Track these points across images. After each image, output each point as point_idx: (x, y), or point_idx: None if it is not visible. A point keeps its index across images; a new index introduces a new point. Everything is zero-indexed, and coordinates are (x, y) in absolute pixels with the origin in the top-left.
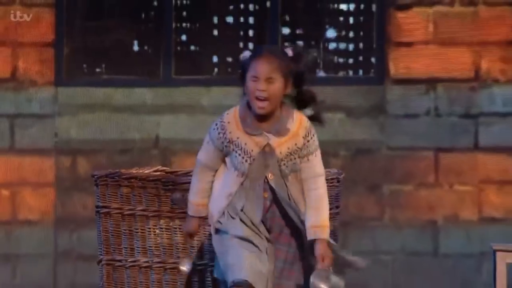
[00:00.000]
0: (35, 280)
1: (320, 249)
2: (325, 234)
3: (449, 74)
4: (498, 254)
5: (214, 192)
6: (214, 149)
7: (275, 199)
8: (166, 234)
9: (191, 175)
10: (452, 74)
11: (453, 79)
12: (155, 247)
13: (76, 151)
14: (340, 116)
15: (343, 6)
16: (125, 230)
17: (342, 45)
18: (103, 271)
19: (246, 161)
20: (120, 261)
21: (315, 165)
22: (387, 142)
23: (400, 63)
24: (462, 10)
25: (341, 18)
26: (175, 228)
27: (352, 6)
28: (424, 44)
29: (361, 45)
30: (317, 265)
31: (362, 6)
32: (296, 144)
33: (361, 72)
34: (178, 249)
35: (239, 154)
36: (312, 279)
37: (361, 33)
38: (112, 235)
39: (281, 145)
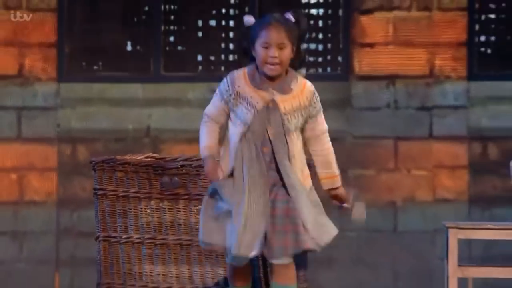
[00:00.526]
0: (39, 254)
1: (339, 193)
2: (339, 182)
3: (407, 71)
4: (450, 230)
5: (222, 151)
6: (221, 101)
7: (274, 155)
8: (156, 213)
9: (178, 161)
10: (409, 72)
11: (410, 76)
12: (146, 225)
13: (76, 140)
14: None
15: (313, 11)
16: (119, 210)
17: (312, 46)
18: (100, 247)
19: (250, 112)
20: (115, 237)
21: (321, 123)
22: (352, 132)
23: (364, 62)
24: (418, 15)
25: (312, 22)
26: (164, 208)
27: (321, 11)
28: (384, 45)
29: (329, 45)
30: (344, 204)
31: (330, 11)
32: (300, 103)
33: (329, 69)
34: (166, 226)
35: (244, 107)
36: (353, 215)
37: (329, 35)
38: (108, 214)
39: (285, 102)
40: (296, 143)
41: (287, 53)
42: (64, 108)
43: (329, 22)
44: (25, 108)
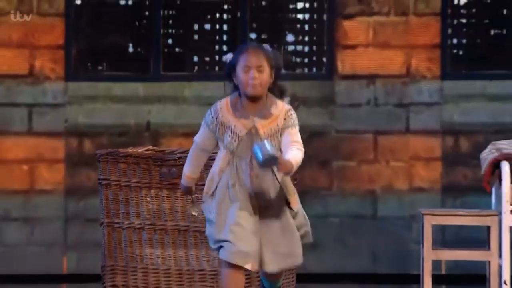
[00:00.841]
0: (49, 238)
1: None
2: (292, 162)
3: (385, 71)
4: (425, 217)
5: (211, 170)
6: (208, 131)
7: (261, 177)
8: (156, 201)
9: (176, 153)
10: (388, 71)
11: (389, 75)
12: (147, 212)
13: (82, 134)
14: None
15: (300, 16)
16: (122, 198)
17: (299, 47)
18: (105, 232)
19: (234, 140)
20: (118, 223)
21: (293, 135)
22: (335, 127)
23: (346, 62)
24: (396, 19)
25: (298, 26)
26: (163, 196)
27: (307, 16)
28: (365, 47)
29: (314, 47)
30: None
31: (315, 16)
32: (277, 125)
33: (314, 69)
34: (165, 213)
35: (229, 135)
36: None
37: (314, 38)
38: (111, 202)
39: (265, 127)
40: None
41: (266, 75)
42: (71, 105)
43: (314, 26)
44: (35, 105)
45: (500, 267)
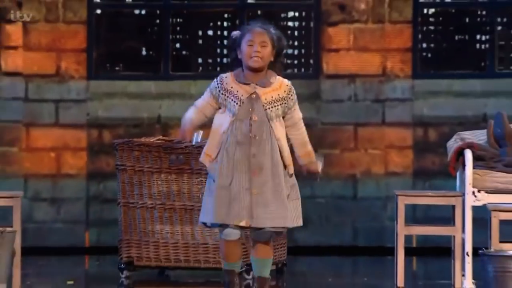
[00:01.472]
0: (73, 216)
1: (313, 167)
2: (314, 157)
3: (364, 71)
4: (399, 197)
5: (212, 132)
6: (210, 97)
7: (259, 139)
8: (165, 184)
9: (183, 143)
10: (366, 72)
11: (367, 75)
12: (158, 193)
13: (102, 126)
14: None
15: (290, 23)
16: (136, 181)
17: (290, 51)
18: (121, 210)
19: (236, 103)
20: (132, 203)
21: (297, 112)
22: (321, 119)
23: (330, 64)
24: (373, 27)
25: (289, 32)
26: (172, 180)
27: (296, 23)
28: (347, 50)
29: (303, 51)
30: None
31: (303, 23)
32: (279, 95)
33: (303, 69)
34: (174, 195)
35: (232, 99)
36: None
37: (303, 43)
38: (127, 184)
39: (266, 94)
40: (279, 129)
41: (268, 50)
42: (92, 101)
43: (303, 32)
44: (61, 101)
45: (463, 240)
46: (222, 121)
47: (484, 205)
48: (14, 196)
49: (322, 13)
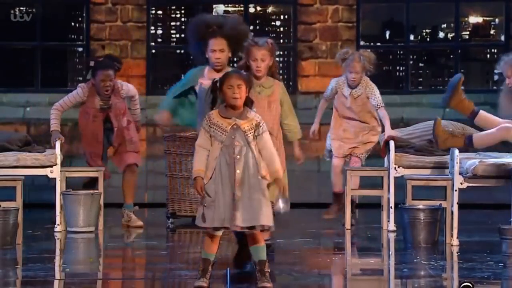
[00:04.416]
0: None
1: (278, 184)
2: (279, 175)
3: (325, 89)
4: (348, 171)
5: (208, 160)
6: (205, 133)
7: (243, 160)
8: None
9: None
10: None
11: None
12: (191, 168)
13: (155, 124)
14: None
15: (277, 58)
16: (177, 160)
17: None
18: (168, 180)
19: (222, 134)
20: (176, 175)
21: (266, 135)
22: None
23: (303, 85)
24: (330, 60)
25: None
26: None
27: (281, 58)
28: (313, 76)
29: (285, 76)
30: (278, 193)
31: (286, 58)
32: (252, 124)
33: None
34: None
35: (218, 131)
36: (279, 203)
37: (285, 71)
38: (171, 163)
39: (244, 124)
40: (255, 149)
41: (244, 92)
42: (149, 109)
43: (286, 64)
44: (130, 109)
45: (388, 199)
46: (213, 150)
47: (402, 176)
48: (99, 170)
49: (297, 52)
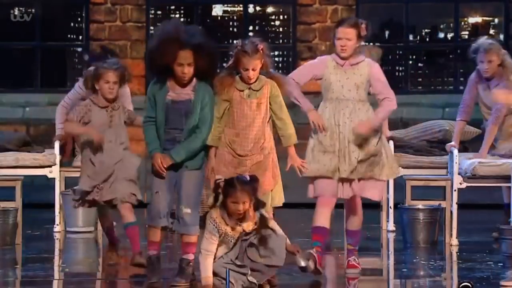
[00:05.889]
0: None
1: (291, 249)
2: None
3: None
4: None
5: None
6: (211, 236)
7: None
8: None
9: None
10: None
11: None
12: None
13: None
14: None
15: (276, 59)
16: None
17: None
18: None
19: (230, 240)
20: None
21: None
22: (297, 121)
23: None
24: None
25: (275, 64)
26: None
27: (280, 59)
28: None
29: None
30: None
31: (285, 58)
32: (255, 219)
33: None
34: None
35: (225, 237)
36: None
37: (284, 71)
38: None
39: (248, 226)
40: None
41: (248, 206)
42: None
43: (285, 64)
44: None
45: (388, 199)
46: (221, 250)
47: (401, 176)
48: None
49: (296, 52)
